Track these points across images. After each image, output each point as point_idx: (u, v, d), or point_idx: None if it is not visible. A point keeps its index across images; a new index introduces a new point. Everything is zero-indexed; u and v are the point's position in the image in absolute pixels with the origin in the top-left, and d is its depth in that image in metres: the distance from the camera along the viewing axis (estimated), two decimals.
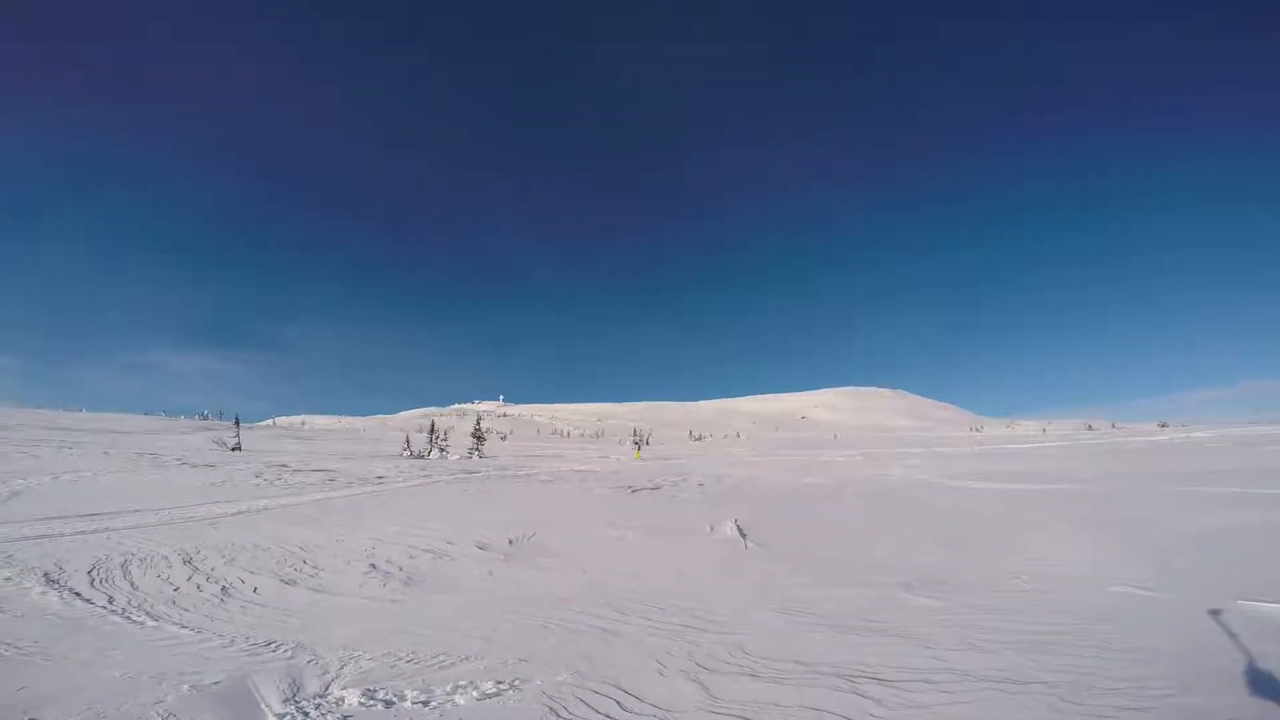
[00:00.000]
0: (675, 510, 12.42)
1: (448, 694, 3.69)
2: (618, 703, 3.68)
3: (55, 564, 6.51)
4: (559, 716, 3.49)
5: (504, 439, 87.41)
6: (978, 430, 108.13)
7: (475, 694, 3.70)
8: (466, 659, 4.32)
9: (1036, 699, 3.45)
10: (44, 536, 7.85)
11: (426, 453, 35.45)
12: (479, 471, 21.95)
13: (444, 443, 38.22)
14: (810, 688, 3.78)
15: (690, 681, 3.97)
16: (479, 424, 39.82)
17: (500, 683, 3.89)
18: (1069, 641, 4.35)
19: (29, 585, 5.72)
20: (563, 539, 9.13)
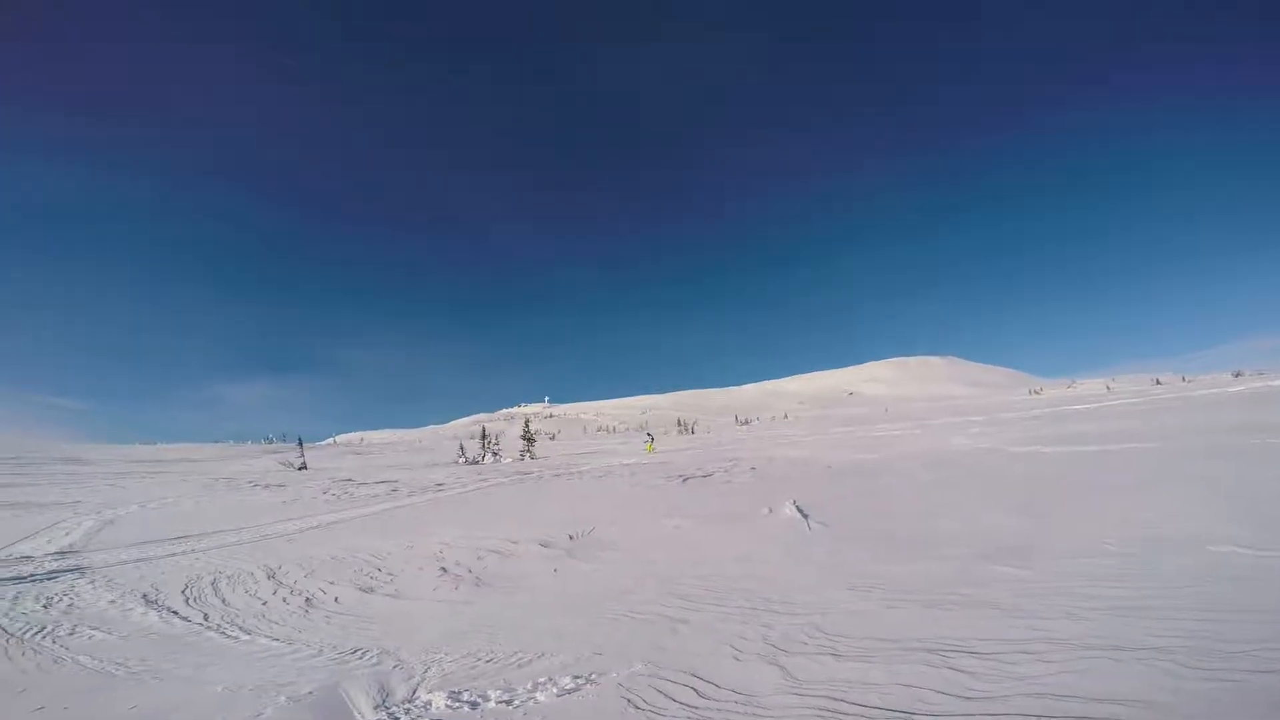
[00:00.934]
0: (730, 496, 12.31)
1: (529, 692, 3.72)
2: (695, 690, 3.64)
3: (152, 585, 6.88)
4: (637, 708, 3.47)
5: (553, 439, 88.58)
6: (1037, 393, 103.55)
7: (555, 690, 3.72)
8: (542, 655, 4.35)
9: (1151, 665, 3.23)
10: (139, 560, 8.30)
11: (480, 458, 36.21)
12: (532, 472, 22.26)
13: (496, 447, 38.96)
14: (900, 664, 3.65)
15: (769, 665, 3.89)
16: (528, 426, 40.44)
17: (578, 677, 3.90)
18: (1175, 604, 4.07)
19: (131, 606, 6.05)
20: (621, 532, 9.15)
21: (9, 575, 7.28)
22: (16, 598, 6.31)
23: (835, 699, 3.34)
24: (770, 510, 9.98)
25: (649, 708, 3.47)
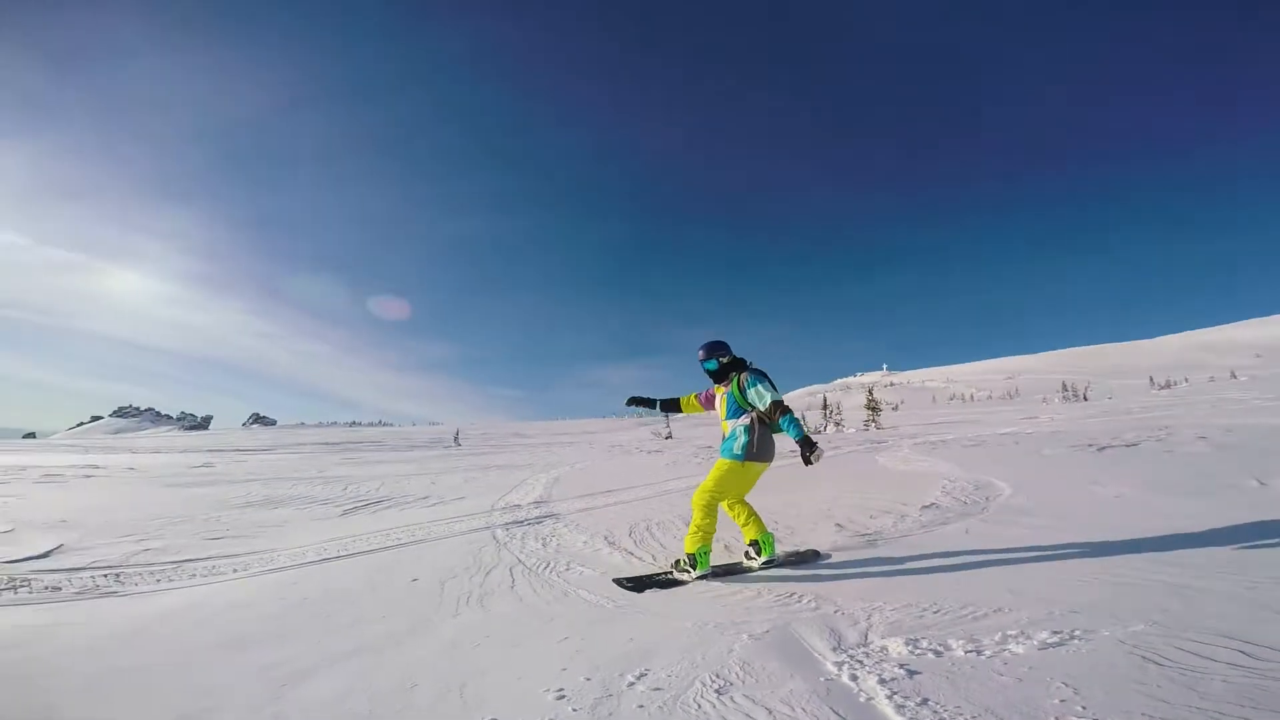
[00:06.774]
0: (1180, 466, 9.58)
1: (998, 643, 3.50)
2: (1241, 651, 3.04)
3: (606, 529, 8.05)
4: (1158, 665, 3.00)
5: (895, 409, 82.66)
6: None
7: (1034, 643, 3.43)
8: (998, 611, 4.04)
9: None
10: (588, 509, 9.99)
11: (823, 427, 36.08)
12: (886, 441, 21.16)
13: (839, 417, 38.34)
14: None
15: None
16: (871, 394, 38.61)
17: (1058, 632, 3.54)
18: None
19: (599, 546, 7.11)
20: (1036, 499, 7.98)
21: (512, 520, 9.20)
22: (523, 538, 7.76)
23: None
24: (1260, 483, 7.48)
25: (1174, 664, 2.99)
